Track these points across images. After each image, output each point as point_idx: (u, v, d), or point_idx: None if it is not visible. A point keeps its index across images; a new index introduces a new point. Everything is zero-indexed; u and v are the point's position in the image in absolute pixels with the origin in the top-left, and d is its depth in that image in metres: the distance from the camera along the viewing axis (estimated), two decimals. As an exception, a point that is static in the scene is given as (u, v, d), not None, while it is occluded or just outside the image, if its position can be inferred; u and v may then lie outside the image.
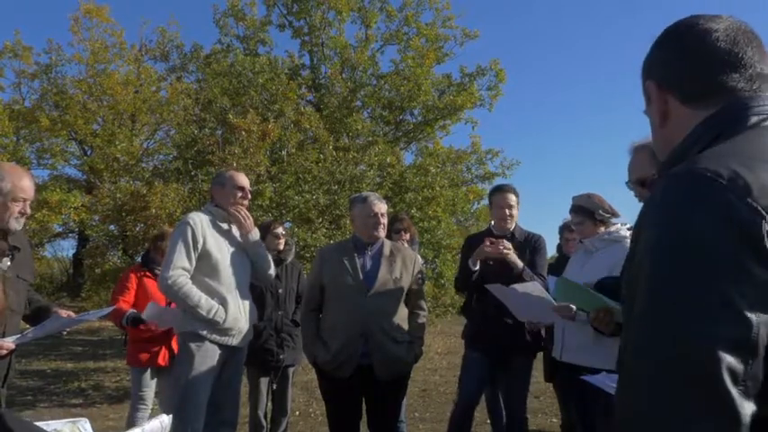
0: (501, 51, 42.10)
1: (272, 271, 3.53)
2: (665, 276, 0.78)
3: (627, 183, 2.18)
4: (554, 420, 5.39)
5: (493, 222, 3.78)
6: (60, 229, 17.70)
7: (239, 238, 3.33)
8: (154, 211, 8.55)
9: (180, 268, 3.04)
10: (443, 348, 10.46)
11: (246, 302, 3.30)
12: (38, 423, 2.52)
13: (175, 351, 3.56)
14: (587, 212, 3.12)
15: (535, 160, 44.01)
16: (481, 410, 3.85)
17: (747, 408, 0.72)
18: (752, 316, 0.73)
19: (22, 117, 16.96)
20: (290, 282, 4.24)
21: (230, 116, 9.83)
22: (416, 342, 3.30)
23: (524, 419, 3.68)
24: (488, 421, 4.33)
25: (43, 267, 19.40)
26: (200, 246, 3.10)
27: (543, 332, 3.75)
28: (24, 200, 2.52)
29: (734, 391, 0.71)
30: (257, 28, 15.98)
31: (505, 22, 37.35)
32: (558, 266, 4.17)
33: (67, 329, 3.01)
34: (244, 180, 3.37)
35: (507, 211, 3.64)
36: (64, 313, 2.79)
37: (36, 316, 2.77)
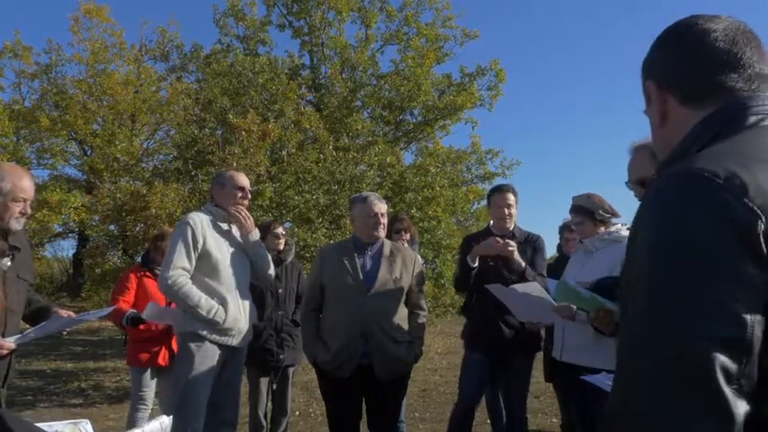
0: (501, 51, 42.15)
1: (272, 271, 3.53)
2: (663, 276, 0.78)
3: (627, 183, 2.17)
4: (554, 420, 5.39)
5: (492, 222, 3.78)
6: (60, 229, 17.70)
7: (239, 239, 3.33)
8: (154, 211, 8.55)
9: (180, 268, 3.04)
10: (443, 348, 10.47)
11: (246, 303, 3.30)
12: (39, 424, 2.52)
13: (175, 351, 3.56)
14: (587, 212, 3.12)
15: (535, 160, 44.06)
16: (481, 410, 3.85)
17: (741, 407, 0.72)
18: (747, 316, 0.73)
19: (22, 117, 16.97)
20: (290, 282, 4.24)
21: (230, 116, 9.83)
22: (416, 342, 3.30)
23: (524, 419, 3.69)
24: (488, 421, 4.33)
25: (43, 267, 19.40)
26: (200, 246, 3.10)
27: (543, 332, 3.75)
28: (25, 200, 2.53)
29: (727, 391, 0.72)
30: (257, 28, 15.98)
31: (505, 22, 37.40)
32: (557, 266, 4.17)
33: (67, 329, 3.01)
34: (244, 180, 3.37)
35: (506, 210, 3.66)
36: (64, 313, 2.79)
37: (36, 316, 2.77)
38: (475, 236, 3.89)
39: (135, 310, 3.95)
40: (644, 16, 44.50)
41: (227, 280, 3.17)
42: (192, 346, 3.06)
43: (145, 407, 4.11)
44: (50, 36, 27.44)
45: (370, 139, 12.63)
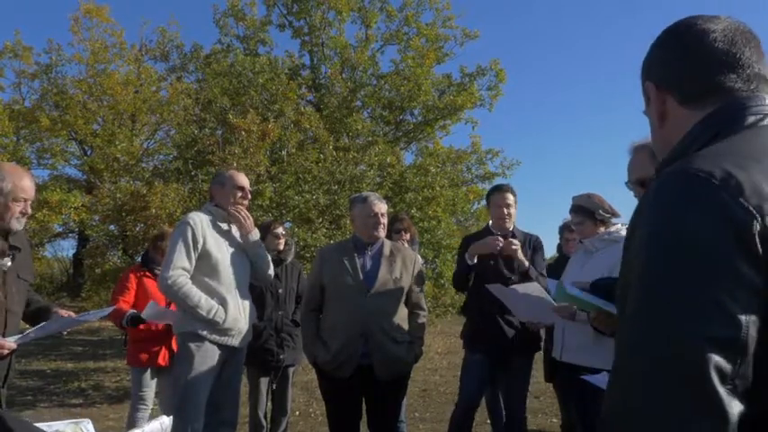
0: (501, 51, 42.08)
1: (272, 271, 3.53)
2: (661, 275, 0.79)
3: (626, 183, 2.17)
4: (554, 420, 5.39)
5: (491, 222, 3.79)
6: (60, 229, 17.69)
7: (239, 239, 3.33)
8: (154, 211, 8.55)
9: (180, 268, 3.04)
10: (443, 348, 10.47)
11: (246, 303, 3.30)
12: (39, 424, 2.52)
13: (175, 351, 3.56)
14: (587, 212, 3.12)
15: (535, 160, 43.95)
16: (481, 411, 3.85)
17: (735, 407, 0.73)
18: (742, 317, 0.74)
19: (23, 117, 16.97)
20: (290, 282, 4.24)
21: (230, 116, 9.83)
22: (416, 342, 3.30)
23: (524, 419, 3.69)
24: (488, 421, 4.33)
25: (43, 267, 19.40)
26: (200, 246, 3.10)
27: (543, 332, 3.76)
28: (25, 200, 2.53)
29: (722, 391, 0.72)
30: (257, 28, 15.98)
31: (505, 22, 37.33)
32: (557, 266, 4.17)
33: (68, 329, 3.01)
34: (244, 180, 3.37)
35: (505, 210, 3.66)
36: (64, 313, 2.79)
37: (36, 316, 2.77)
38: (474, 236, 3.90)
39: (135, 311, 3.95)
40: (644, 16, 44.47)
41: (227, 280, 3.17)
42: (192, 346, 3.06)
43: (145, 407, 4.11)
44: (50, 36, 27.46)
45: (370, 139, 12.63)
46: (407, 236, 4.32)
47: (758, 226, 0.75)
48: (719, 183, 0.78)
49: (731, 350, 0.73)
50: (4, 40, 17.98)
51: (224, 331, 3.12)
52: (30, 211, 2.57)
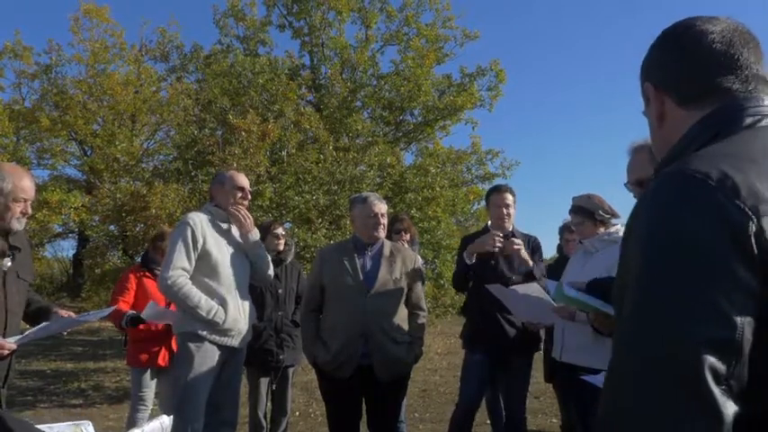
0: (501, 51, 42.08)
1: (271, 272, 3.53)
2: (658, 275, 0.79)
3: (626, 184, 2.18)
4: (554, 420, 5.39)
5: (490, 222, 3.79)
6: (60, 230, 17.71)
7: (239, 239, 3.33)
8: (154, 211, 8.55)
9: (180, 268, 3.04)
10: (443, 348, 10.47)
11: (246, 303, 3.30)
12: (40, 425, 2.52)
13: (175, 351, 3.56)
14: (587, 213, 3.12)
15: (535, 160, 44.01)
16: (481, 411, 3.86)
17: (730, 408, 0.73)
18: (737, 318, 0.74)
19: (23, 117, 16.98)
20: (289, 282, 4.24)
21: (230, 116, 9.83)
22: (416, 342, 3.30)
23: (523, 419, 3.69)
24: (488, 422, 4.33)
25: (43, 267, 19.41)
26: (199, 246, 3.10)
27: (543, 333, 3.76)
28: (25, 200, 2.53)
29: (716, 391, 0.73)
30: (257, 28, 15.97)
31: (505, 22, 37.35)
32: (557, 267, 4.17)
33: (68, 330, 3.01)
34: (244, 180, 3.37)
35: (505, 210, 3.67)
36: (64, 314, 2.79)
37: (36, 316, 2.77)
38: (473, 236, 3.90)
39: (134, 311, 3.95)
40: (644, 16, 44.49)
41: (227, 280, 3.17)
42: (192, 346, 3.06)
43: (145, 407, 4.11)
44: (50, 36, 27.50)
45: (370, 139, 12.63)
46: (407, 236, 4.32)
47: (754, 227, 0.76)
48: (716, 184, 0.79)
49: (726, 351, 0.74)
50: (4, 40, 18.05)
51: (224, 332, 3.12)
52: (30, 211, 2.57)
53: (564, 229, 4.55)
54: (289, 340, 4.13)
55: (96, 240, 11.34)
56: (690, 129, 0.97)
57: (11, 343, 2.44)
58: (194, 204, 8.68)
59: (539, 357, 3.87)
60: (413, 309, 3.34)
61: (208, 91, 11.71)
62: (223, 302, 3.11)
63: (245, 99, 11.57)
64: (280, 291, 4.14)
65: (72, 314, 2.87)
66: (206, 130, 10.41)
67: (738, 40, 0.98)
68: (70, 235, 19.30)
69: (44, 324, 2.61)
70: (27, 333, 2.55)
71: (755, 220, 0.76)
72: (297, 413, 5.82)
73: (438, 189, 11.51)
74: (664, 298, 0.77)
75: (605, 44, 45.43)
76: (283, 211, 9.28)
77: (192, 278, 3.09)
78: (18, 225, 2.52)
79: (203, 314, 3.03)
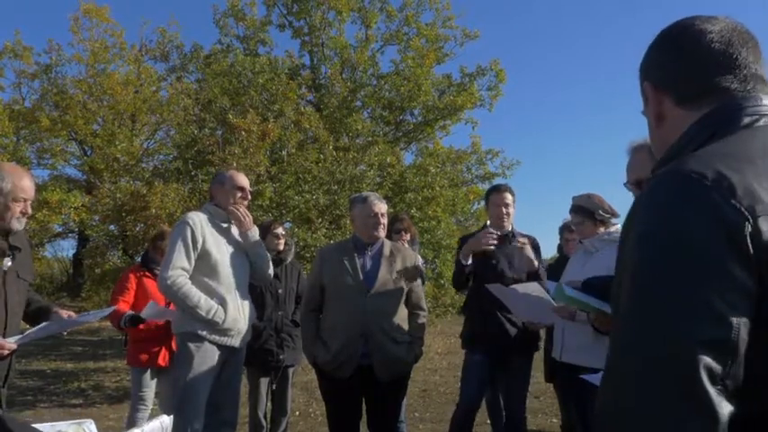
0: (501, 51, 42.10)
1: (271, 271, 3.53)
2: (654, 275, 0.79)
3: (625, 183, 2.17)
4: (554, 420, 5.39)
5: (489, 222, 3.79)
6: (60, 229, 17.71)
7: (238, 238, 3.33)
8: (154, 211, 8.55)
9: (179, 268, 3.04)
10: (443, 348, 10.47)
11: (246, 303, 3.30)
12: (43, 424, 2.52)
13: (175, 351, 3.56)
14: (587, 212, 3.12)
15: (535, 160, 44.00)
16: (481, 411, 3.86)
17: (725, 407, 0.73)
18: (733, 318, 0.74)
19: (23, 117, 16.99)
20: (289, 282, 4.24)
21: (230, 116, 9.83)
22: (416, 342, 3.30)
23: (523, 419, 3.69)
24: (488, 422, 4.33)
25: (43, 267, 19.40)
26: (199, 245, 3.10)
27: (543, 333, 3.76)
28: (25, 200, 2.53)
29: (712, 391, 0.73)
30: (257, 28, 15.97)
31: (505, 22, 37.35)
32: (558, 267, 4.17)
33: (68, 330, 3.01)
34: (243, 180, 3.37)
35: (504, 210, 3.68)
36: (64, 314, 2.79)
37: (36, 316, 2.77)
38: (471, 236, 3.90)
39: (133, 312, 3.94)
40: (644, 16, 44.45)
41: (227, 280, 3.17)
42: (192, 346, 3.06)
43: (145, 407, 4.11)
44: (50, 36, 27.52)
45: (370, 139, 12.63)
46: (407, 236, 4.32)
47: (750, 227, 0.76)
48: (711, 184, 0.79)
49: (722, 351, 0.74)
50: (4, 40, 18.06)
51: (223, 331, 3.12)
52: (30, 211, 2.57)
53: (564, 229, 4.55)
54: (289, 340, 4.13)
55: (96, 240, 11.35)
56: (688, 128, 0.97)
57: (11, 343, 2.44)
58: (194, 204, 8.68)
59: (539, 357, 3.87)
60: (413, 309, 3.34)
61: (208, 91, 11.71)
62: (223, 302, 3.11)
63: (245, 99, 11.57)
64: (280, 290, 4.14)
65: (72, 314, 2.87)
66: (206, 129, 10.41)
67: (737, 40, 0.98)
68: (70, 235, 19.33)
69: (44, 324, 2.61)
70: (27, 333, 2.55)
71: (751, 220, 0.76)
72: (297, 413, 5.82)
73: (438, 189, 11.52)
74: (662, 297, 0.77)
75: (605, 44, 45.46)
76: (283, 211, 9.28)
77: (191, 278, 3.08)
78: (18, 225, 2.52)
79: (203, 314, 3.03)
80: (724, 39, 0.98)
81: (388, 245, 3.35)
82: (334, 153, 10.47)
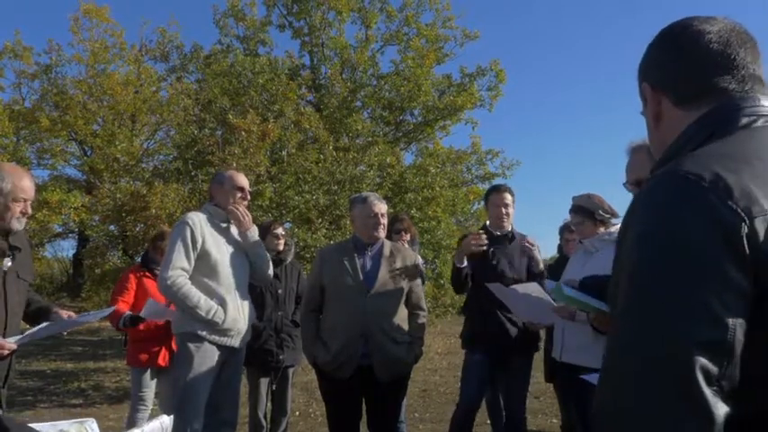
0: (501, 51, 42.08)
1: (271, 271, 3.53)
2: (654, 275, 0.79)
3: (625, 184, 2.17)
4: (554, 420, 5.39)
5: (489, 222, 3.80)
6: (60, 230, 17.72)
7: (238, 238, 3.33)
8: (154, 211, 8.56)
9: (179, 268, 3.04)
10: (443, 348, 10.47)
11: (246, 303, 3.30)
12: (44, 424, 2.52)
13: (175, 351, 3.56)
14: (587, 213, 3.12)
15: (535, 160, 43.98)
16: (481, 411, 3.86)
17: (721, 408, 0.74)
18: (729, 319, 0.74)
19: (23, 117, 16.99)
20: (289, 282, 4.24)
21: (230, 116, 9.83)
22: (416, 342, 3.30)
23: (524, 420, 3.69)
24: (488, 421, 4.33)
25: (43, 267, 19.41)
26: (199, 246, 3.10)
27: (543, 333, 3.76)
28: (25, 200, 2.53)
29: (707, 392, 0.73)
30: (257, 28, 15.98)
31: (505, 22, 37.35)
32: (558, 267, 4.17)
33: (68, 330, 3.00)
34: (243, 180, 3.37)
35: (503, 210, 3.68)
36: (64, 314, 2.79)
37: (36, 316, 2.77)
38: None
39: (132, 312, 3.94)
40: (644, 16, 44.45)
41: (227, 280, 3.17)
42: (191, 346, 3.06)
43: (145, 407, 4.11)
44: (50, 36, 27.54)
45: (370, 139, 12.63)
46: (407, 236, 4.32)
47: (746, 228, 0.76)
48: (708, 185, 0.79)
49: (718, 352, 0.74)
50: (4, 40, 18.06)
51: (223, 332, 3.12)
52: (30, 211, 2.57)
53: (564, 229, 4.55)
54: (289, 340, 4.13)
55: (96, 240, 11.35)
56: (686, 129, 0.97)
57: (11, 343, 2.44)
58: (194, 204, 8.68)
59: (539, 357, 3.87)
60: (413, 309, 3.34)
61: (208, 91, 11.72)
62: (222, 302, 3.11)
63: (245, 99, 11.58)
64: (280, 291, 4.14)
65: (72, 314, 2.87)
66: (206, 130, 10.41)
67: (735, 40, 0.99)
68: (70, 235, 19.33)
69: (44, 324, 2.61)
70: (27, 333, 2.55)
71: (748, 221, 0.76)
72: (297, 413, 5.82)
73: (438, 189, 11.52)
74: (659, 298, 0.77)
75: (605, 44, 45.46)
76: (283, 211, 9.28)
77: (191, 278, 3.08)
78: (18, 225, 2.52)
79: (202, 314, 3.03)
80: (722, 39, 0.98)
81: (388, 245, 3.35)
82: (334, 153, 10.47)
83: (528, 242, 3.63)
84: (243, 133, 9.23)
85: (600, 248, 3.04)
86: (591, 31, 44.10)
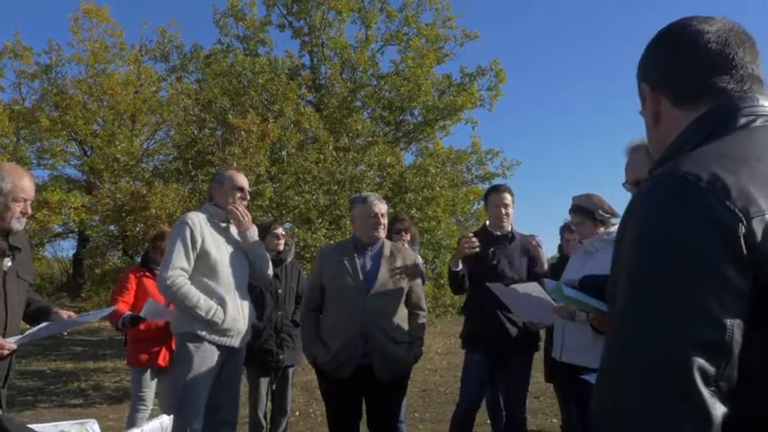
0: (501, 51, 42.10)
1: (271, 271, 3.53)
2: (653, 275, 0.79)
3: (624, 184, 2.17)
4: (554, 420, 5.39)
5: (488, 222, 3.80)
6: (60, 230, 17.72)
7: (238, 238, 3.33)
8: (154, 211, 8.56)
9: (179, 268, 3.04)
10: (443, 348, 10.47)
11: (245, 303, 3.30)
12: (45, 424, 2.52)
13: (175, 351, 3.56)
14: (587, 212, 3.12)
15: (535, 160, 44.00)
16: (481, 411, 3.86)
17: (718, 409, 0.74)
18: (727, 320, 0.74)
19: (23, 117, 16.99)
20: (289, 282, 4.24)
21: (230, 116, 9.83)
22: (416, 342, 3.30)
23: (524, 420, 3.69)
24: (488, 421, 4.33)
25: (43, 267, 19.41)
26: (198, 245, 3.10)
27: (543, 332, 3.76)
28: (25, 200, 2.53)
29: (705, 392, 0.73)
30: (257, 28, 15.98)
31: (505, 22, 37.38)
32: (558, 267, 4.17)
33: (68, 330, 3.00)
34: (243, 180, 3.37)
35: (503, 210, 3.69)
36: (64, 314, 2.79)
37: (36, 316, 2.77)
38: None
39: (131, 312, 3.94)
40: (644, 16, 44.46)
41: (226, 280, 3.17)
42: (191, 346, 3.06)
43: (145, 407, 4.11)
44: (50, 36, 27.54)
45: (370, 139, 12.63)
46: (408, 236, 4.32)
47: (744, 229, 0.76)
48: (706, 185, 0.79)
49: (715, 353, 0.74)
50: (4, 40, 18.06)
51: (223, 332, 3.12)
52: (30, 211, 2.57)
53: (564, 229, 4.54)
54: (289, 340, 4.13)
55: (96, 240, 11.35)
56: (685, 129, 0.97)
57: (11, 343, 2.44)
58: (194, 204, 8.68)
59: (539, 357, 3.87)
60: (413, 309, 3.34)
61: (208, 91, 11.72)
62: (222, 302, 3.11)
63: (245, 99, 11.58)
64: (279, 291, 4.14)
65: (72, 314, 2.87)
66: (206, 130, 10.41)
67: (734, 40, 0.99)
68: (70, 235, 19.33)
69: (44, 324, 2.61)
70: (27, 333, 2.55)
71: (745, 221, 0.76)
72: (297, 413, 5.82)
73: (438, 189, 11.52)
74: (657, 298, 0.78)
75: (605, 44, 45.49)
76: (283, 211, 9.28)
77: (190, 278, 3.08)
78: (18, 225, 2.52)
79: (202, 314, 3.03)
80: (721, 39, 0.98)
81: (388, 245, 3.35)
82: (334, 153, 10.47)
83: (537, 242, 3.63)
84: (243, 133, 9.23)
85: (600, 248, 3.04)
86: (591, 31, 44.15)
